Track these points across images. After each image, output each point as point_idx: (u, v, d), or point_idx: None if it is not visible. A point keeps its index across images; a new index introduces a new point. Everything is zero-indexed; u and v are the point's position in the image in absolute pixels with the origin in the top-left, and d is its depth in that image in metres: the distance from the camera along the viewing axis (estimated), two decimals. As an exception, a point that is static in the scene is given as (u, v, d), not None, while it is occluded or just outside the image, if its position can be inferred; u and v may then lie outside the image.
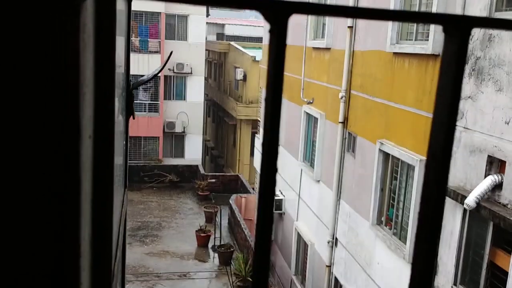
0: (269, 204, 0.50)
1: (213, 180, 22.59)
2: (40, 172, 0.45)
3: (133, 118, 1.61)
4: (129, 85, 1.55)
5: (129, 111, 1.55)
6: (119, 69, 1.39)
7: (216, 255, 16.55)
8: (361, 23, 9.90)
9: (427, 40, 7.58)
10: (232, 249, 16.45)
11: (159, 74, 24.47)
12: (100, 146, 0.62)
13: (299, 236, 13.11)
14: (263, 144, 0.47)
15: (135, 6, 24.15)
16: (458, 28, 0.50)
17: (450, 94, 0.51)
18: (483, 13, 6.34)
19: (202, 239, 17.39)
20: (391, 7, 8.43)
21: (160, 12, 24.87)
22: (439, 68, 0.51)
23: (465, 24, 0.50)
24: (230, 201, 19.00)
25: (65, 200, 0.46)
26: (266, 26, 0.48)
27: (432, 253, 0.52)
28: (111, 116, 0.66)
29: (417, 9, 8.01)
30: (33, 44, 0.43)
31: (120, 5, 1.21)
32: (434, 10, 7.27)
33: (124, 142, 1.55)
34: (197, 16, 25.85)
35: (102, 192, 0.64)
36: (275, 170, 0.46)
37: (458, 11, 6.74)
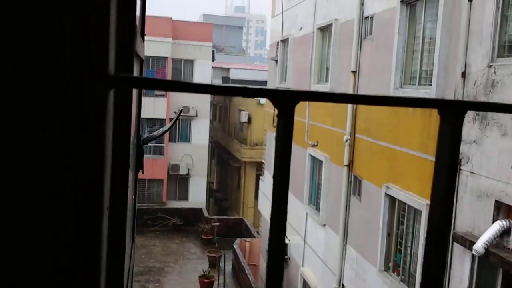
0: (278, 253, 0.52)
1: (217, 224, 22.37)
2: (63, 243, 0.48)
3: (143, 172, 1.65)
4: (140, 141, 1.60)
5: (139, 166, 1.59)
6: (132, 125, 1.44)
7: (220, 301, 16.17)
8: (364, 68, 10.09)
9: (430, 84, 7.70)
10: (236, 295, 16.09)
11: (164, 117, 24.77)
12: (115, 216, 0.65)
13: (305, 283, 12.85)
14: (271, 227, 0.50)
15: (142, 51, 24.69)
16: (453, 112, 0.54)
17: (446, 175, 0.53)
18: (485, 60, 6.45)
19: (206, 285, 17.04)
20: (394, 54, 8.61)
21: (166, 57, 25.44)
22: (436, 147, 0.55)
23: (459, 108, 0.54)
24: (234, 246, 18.74)
25: (84, 274, 0.48)
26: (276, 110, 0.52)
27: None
28: (125, 185, 0.69)
29: (419, 56, 8.17)
30: (69, 133, 0.47)
31: (136, 70, 1.27)
32: (436, 56, 7.43)
33: (133, 197, 1.58)
34: (203, 60, 26.41)
35: (114, 261, 0.67)
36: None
37: (460, 57, 6.87)
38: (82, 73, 0.45)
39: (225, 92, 0.48)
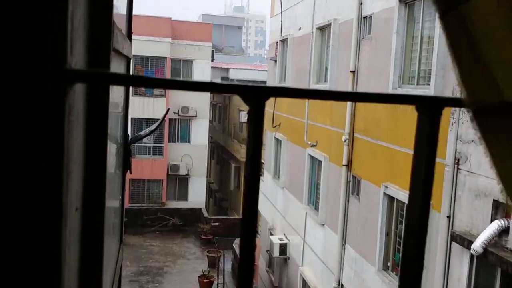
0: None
1: (217, 224, 22.37)
2: (22, 247, 0.47)
3: (130, 173, 1.63)
4: (127, 140, 1.58)
5: (126, 166, 1.58)
6: (118, 123, 1.43)
7: (220, 301, 16.17)
8: (363, 68, 10.08)
9: (429, 84, 7.69)
10: (236, 295, 16.08)
11: (164, 119, 24.74)
12: (89, 216, 0.64)
13: (304, 282, 12.84)
14: (242, 219, 0.49)
15: (141, 51, 24.69)
16: (430, 108, 0.52)
17: (423, 171, 0.52)
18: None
19: (205, 285, 17.05)
20: (392, 54, 8.60)
21: (166, 57, 25.43)
22: (414, 144, 0.53)
23: (437, 104, 0.52)
24: (234, 246, 18.75)
25: (46, 276, 0.47)
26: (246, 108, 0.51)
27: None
28: (101, 184, 0.68)
29: (418, 55, 8.16)
30: (19, 128, 0.45)
31: (119, 69, 1.26)
32: (434, 55, 7.41)
33: (120, 197, 1.57)
34: (202, 60, 26.40)
35: (90, 263, 0.65)
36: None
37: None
38: (37, 69, 0.44)
39: (192, 88, 0.47)
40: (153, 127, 2.44)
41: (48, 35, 0.44)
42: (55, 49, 0.45)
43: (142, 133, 2.24)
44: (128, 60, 1.44)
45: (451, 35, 0.47)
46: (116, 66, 1.08)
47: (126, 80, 0.44)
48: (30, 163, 0.45)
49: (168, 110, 3.41)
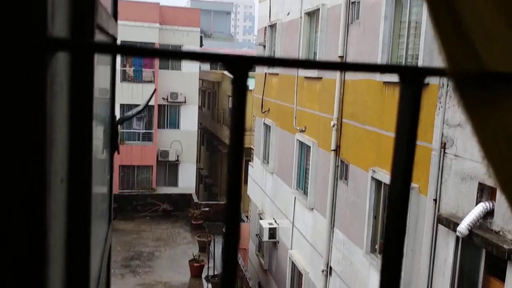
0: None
1: (207, 209, 22.45)
2: (4, 215, 0.47)
3: (118, 153, 1.63)
4: (114, 120, 1.58)
5: (113, 146, 1.57)
6: (104, 104, 1.42)
7: (210, 285, 16.29)
8: (352, 53, 10.07)
9: (416, 69, 7.71)
10: (226, 279, 16.21)
11: (153, 103, 24.60)
12: (75, 187, 0.64)
13: (293, 265, 12.97)
14: (227, 190, 0.49)
15: (130, 37, 24.40)
16: (413, 78, 0.53)
17: (406, 142, 0.53)
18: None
19: (196, 269, 17.15)
20: (380, 39, 8.60)
21: (154, 43, 25.20)
22: (397, 117, 0.54)
23: (419, 74, 0.53)
24: (224, 230, 18.84)
25: (29, 251, 0.47)
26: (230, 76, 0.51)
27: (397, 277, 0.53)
28: (87, 158, 0.68)
29: (405, 40, 8.18)
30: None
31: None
32: (422, 40, 7.43)
33: (109, 177, 1.57)
34: (190, 46, 26.19)
35: (77, 235, 0.65)
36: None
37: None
38: (16, 36, 0.43)
39: (174, 57, 0.47)
40: (140, 107, 2.45)
41: (28, 2, 0.44)
42: (35, 16, 0.44)
43: (129, 113, 2.25)
44: (114, 40, 1.43)
45: (432, 2, 0.47)
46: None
47: (105, 49, 0.44)
48: (12, 130, 0.44)
49: (155, 90, 3.45)
